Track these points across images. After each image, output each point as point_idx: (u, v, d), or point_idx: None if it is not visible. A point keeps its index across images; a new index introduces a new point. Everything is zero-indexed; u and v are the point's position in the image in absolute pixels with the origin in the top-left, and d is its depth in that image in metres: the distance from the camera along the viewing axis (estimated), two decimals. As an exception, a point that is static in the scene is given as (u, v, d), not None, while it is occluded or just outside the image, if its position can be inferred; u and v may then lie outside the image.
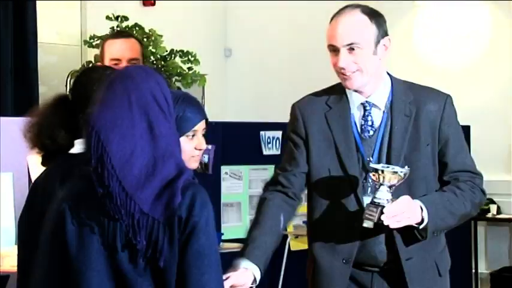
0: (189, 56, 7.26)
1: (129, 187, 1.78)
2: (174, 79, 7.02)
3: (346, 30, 2.50)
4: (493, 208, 7.20)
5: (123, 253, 1.79)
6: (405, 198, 2.40)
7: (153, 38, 7.04)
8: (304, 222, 5.69)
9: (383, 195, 2.37)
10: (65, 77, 6.94)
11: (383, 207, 2.32)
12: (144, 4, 7.78)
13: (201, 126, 2.40)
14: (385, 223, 2.31)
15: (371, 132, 2.59)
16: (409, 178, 2.49)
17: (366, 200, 2.49)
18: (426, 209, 2.42)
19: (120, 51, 3.47)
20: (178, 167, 1.83)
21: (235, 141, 4.82)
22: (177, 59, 7.31)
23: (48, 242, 1.86)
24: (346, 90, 2.56)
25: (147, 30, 6.92)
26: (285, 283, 5.59)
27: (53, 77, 7.09)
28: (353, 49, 2.47)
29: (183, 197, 1.78)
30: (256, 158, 5.36)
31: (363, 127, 2.57)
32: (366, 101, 2.56)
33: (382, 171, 2.38)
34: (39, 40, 6.83)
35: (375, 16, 2.55)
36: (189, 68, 7.33)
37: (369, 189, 2.54)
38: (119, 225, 1.81)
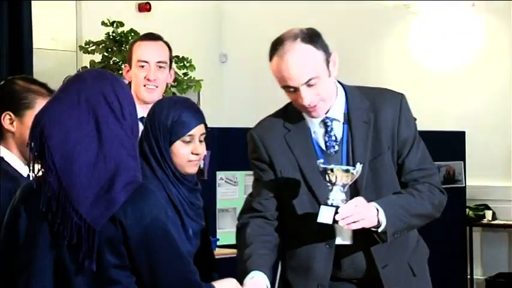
0: (185, 62, 7.27)
1: (68, 185, 1.77)
2: (169, 85, 6.74)
3: (299, 69, 2.43)
4: (489, 214, 7.20)
5: (67, 250, 1.79)
6: (359, 199, 2.37)
7: None
8: None
9: (337, 195, 2.35)
10: (61, 83, 6.88)
11: (337, 207, 2.29)
12: (140, 9, 7.75)
13: (198, 131, 2.40)
14: (340, 224, 2.28)
15: (336, 147, 2.57)
16: (376, 184, 2.50)
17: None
18: (383, 210, 2.39)
19: (147, 54, 3.40)
20: (120, 167, 1.81)
21: (231, 147, 4.82)
22: (173, 65, 7.26)
23: (2, 236, 1.90)
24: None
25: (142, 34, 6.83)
26: None
27: (49, 82, 6.72)
28: (311, 84, 2.41)
29: (122, 199, 1.77)
30: (251, 163, 5.27)
31: (327, 144, 2.55)
32: (326, 117, 2.53)
33: (332, 170, 2.35)
34: (34, 46, 6.75)
35: (314, 39, 2.48)
36: (185, 74, 7.35)
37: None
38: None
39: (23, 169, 2.43)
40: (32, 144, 1.85)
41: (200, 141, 2.44)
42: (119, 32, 6.94)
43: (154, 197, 1.90)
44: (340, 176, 2.37)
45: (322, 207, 2.33)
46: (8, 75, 6.89)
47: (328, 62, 2.47)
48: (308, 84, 2.40)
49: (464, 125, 6.87)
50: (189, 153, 2.41)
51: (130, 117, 1.90)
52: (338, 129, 2.56)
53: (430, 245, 4.30)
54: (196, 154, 2.42)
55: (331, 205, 2.33)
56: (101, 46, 6.93)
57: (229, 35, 8.98)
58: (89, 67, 6.74)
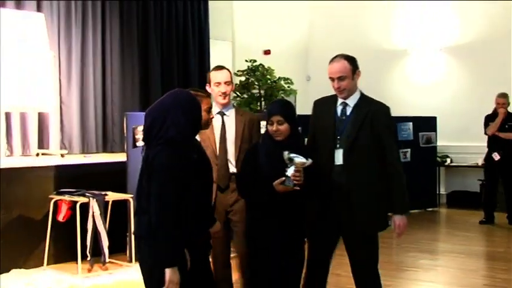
0: (288, 80, 10.10)
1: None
2: (280, 93, 9.91)
3: (338, 69, 3.71)
4: (448, 160, 10.67)
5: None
6: (400, 224, 3.77)
7: (269, 71, 10.10)
8: None
9: (290, 171, 3.45)
10: None
11: (288, 177, 3.43)
12: (265, 53, 11.01)
13: (275, 118, 3.51)
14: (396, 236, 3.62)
15: (343, 117, 3.76)
16: (354, 147, 3.66)
17: (337, 154, 3.69)
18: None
19: (219, 77, 4.27)
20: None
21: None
22: (282, 82, 10.13)
23: None
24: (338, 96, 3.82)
25: (266, 67, 10.14)
26: None
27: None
28: (342, 79, 3.71)
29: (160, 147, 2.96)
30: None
31: (342, 112, 3.78)
32: (344, 102, 3.79)
33: (292, 159, 3.41)
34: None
35: (351, 60, 3.75)
36: (288, 87, 10.00)
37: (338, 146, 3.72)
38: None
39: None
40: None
41: (278, 123, 3.56)
42: (253, 65, 10.15)
43: (167, 154, 2.89)
44: (297, 162, 3.42)
45: (286, 178, 3.44)
46: (198, 87, 9.07)
47: (354, 73, 3.72)
48: (339, 78, 3.70)
49: (436, 113, 10.43)
50: (271, 129, 3.56)
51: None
52: (348, 109, 3.78)
53: (418, 177, 8.07)
54: (274, 131, 3.55)
55: (287, 177, 3.44)
56: (244, 72, 10.16)
57: (311, 63, 11.97)
58: (239, 84, 10.04)
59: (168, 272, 2.92)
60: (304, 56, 11.94)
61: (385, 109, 3.83)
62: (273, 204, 3.58)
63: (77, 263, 6.13)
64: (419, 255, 7.03)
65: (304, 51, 11.92)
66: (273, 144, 3.60)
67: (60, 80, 8.32)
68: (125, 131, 6.74)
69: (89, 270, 6.23)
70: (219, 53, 10.73)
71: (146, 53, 9.41)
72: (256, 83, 10.07)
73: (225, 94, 4.25)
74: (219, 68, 4.34)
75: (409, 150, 10.00)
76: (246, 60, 10.18)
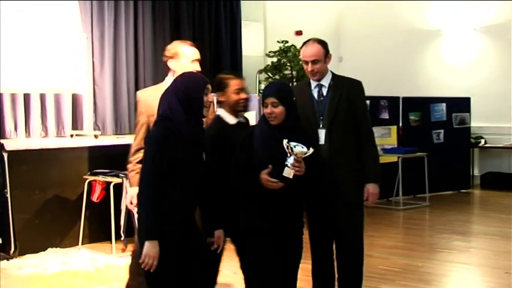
0: None
1: None
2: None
3: (312, 52, 3.84)
4: (482, 141, 10.54)
5: None
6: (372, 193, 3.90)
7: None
8: (380, 148, 9.26)
9: (291, 161, 3.31)
10: (255, 74, 10.03)
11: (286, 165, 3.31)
12: (296, 34, 10.98)
13: (269, 100, 3.41)
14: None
15: (321, 98, 3.91)
16: (331, 127, 3.78)
17: (320, 134, 3.77)
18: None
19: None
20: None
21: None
22: None
23: None
24: (310, 79, 3.91)
25: (298, 48, 9.73)
26: None
27: (248, 73, 9.34)
28: (316, 62, 3.83)
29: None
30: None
31: (318, 94, 3.91)
32: (319, 84, 3.91)
33: (293, 147, 3.31)
34: (243, 53, 10.31)
35: (324, 44, 3.88)
36: None
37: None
38: None
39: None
40: None
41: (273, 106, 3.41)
42: (286, 46, 10.03)
43: (157, 134, 3.01)
44: (297, 151, 3.30)
45: (286, 168, 3.32)
46: (230, 70, 8.83)
47: (326, 56, 3.87)
48: (313, 61, 3.82)
49: (470, 93, 10.39)
50: (265, 111, 3.44)
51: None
52: (324, 90, 3.92)
53: (452, 159, 8.01)
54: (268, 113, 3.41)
55: (287, 165, 3.30)
56: (276, 53, 10.06)
57: (343, 43, 11.96)
58: (270, 65, 10.07)
59: (145, 244, 2.95)
60: (336, 36, 11.89)
61: (358, 83, 3.97)
62: (269, 193, 3.41)
63: (111, 243, 6.24)
64: (453, 237, 7.00)
65: (336, 32, 11.90)
66: (268, 129, 3.44)
67: (93, 61, 8.34)
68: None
69: (123, 250, 6.30)
70: (250, 34, 10.77)
71: (178, 34, 9.39)
72: (288, 64, 10.07)
73: None
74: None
75: (442, 131, 9.94)
76: (278, 41, 10.17)
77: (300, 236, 3.63)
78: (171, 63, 3.97)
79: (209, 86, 3.17)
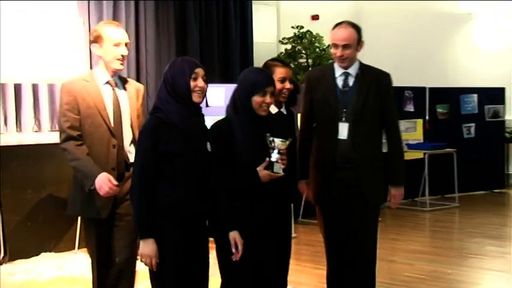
0: None
1: None
2: (330, 61, 8.28)
3: (344, 36, 3.83)
4: None
5: None
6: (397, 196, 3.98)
7: (317, 38, 10.26)
8: (405, 144, 9.42)
9: (275, 156, 3.41)
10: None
11: (272, 162, 3.37)
12: (312, 19, 11.04)
13: (270, 89, 3.44)
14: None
15: (346, 88, 3.90)
16: (357, 121, 3.80)
17: (341, 127, 3.84)
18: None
19: (118, 36, 3.86)
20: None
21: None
22: (331, 50, 9.88)
23: None
24: (335, 65, 3.91)
25: (314, 34, 10.26)
26: None
27: (259, 62, 7.58)
28: (347, 47, 3.83)
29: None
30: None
31: (344, 83, 3.91)
32: (345, 72, 3.91)
33: (274, 141, 3.38)
34: (254, 40, 10.14)
35: (358, 29, 3.89)
36: None
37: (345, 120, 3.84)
38: None
39: None
40: None
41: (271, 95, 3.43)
42: (301, 31, 10.35)
43: (148, 126, 3.12)
44: (278, 143, 3.38)
45: (275, 164, 3.38)
46: (240, 58, 9.78)
47: (358, 43, 3.87)
48: (344, 46, 3.83)
49: (505, 83, 10.34)
50: (261, 100, 3.40)
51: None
52: (351, 80, 3.93)
53: (484, 155, 8.03)
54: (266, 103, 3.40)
55: (273, 163, 3.38)
56: (290, 40, 10.31)
57: (364, 28, 11.38)
58: (284, 52, 10.27)
59: (140, 244, 3.04)
60: (356, 21, 10.82)
61: (388, 76, 3.98)
62: (256, 189, 3.44)
63: (110, 247, 6.22)
64: (485, 241, 7.00)
65: (356, 16, 11.40)
66: (254, 119, 3.44)
67: (90, 48, 8.35)
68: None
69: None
70: (262, 18, 10.83)
71: (183, 19, 9.40)
72: (303, 52, 10.19)
73: (123, 58, 3.87)
74: (116, 24, 4.00)
75: (473, 125, 9.95)
76: (292, 27, 10.36)
77: (288, 238, 3.75)
78: (94, 49, 3.89)
79: (199, 70, 3.20)
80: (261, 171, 3.39)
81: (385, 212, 8.34)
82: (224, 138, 3.38)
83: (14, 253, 6.09)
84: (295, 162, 3.78)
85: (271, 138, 3.38)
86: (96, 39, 3.84)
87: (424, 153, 8.99)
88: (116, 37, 3.83)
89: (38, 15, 7.60)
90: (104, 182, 3.58)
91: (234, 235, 3.27)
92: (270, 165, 3.42)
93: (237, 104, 3.42)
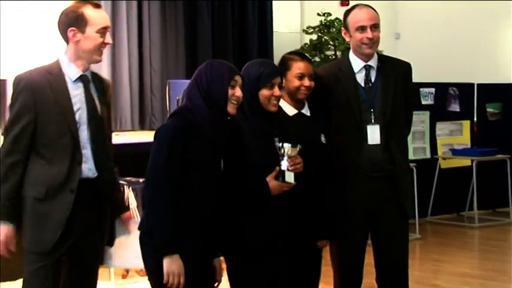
0: None
1: None
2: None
3: (372, 14, 3.83)
4: None
5: None
6: None
7: None
8: (449, 149, 9.46)
9: (284, 163, 3.38)
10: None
11: (283, 171, 3.35)
12: (341, 4, 10.73)
13: (277, 80, 3.47)
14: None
15: (369, 85, 3.88)
16: (389, 122, 3.79)
17: (371, 130, 3.81)
18: None
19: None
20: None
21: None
22: None
23: None
24: (351, 58, 3.91)
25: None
26: (436, 194, 8.84)
27: (281, 55, 8.66)
28: (376, 27, 3.84)
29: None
30: (416, 106, 8.02)
31: (366, 79, 3.88)
32: (366, 65, 3.88)
33: (283, 146, 3.37)
34: (274, 30, 10.20)
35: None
36: None
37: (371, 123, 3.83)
38: None
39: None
40: None
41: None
42: (328, 19, 10.12)
43: (176, 124, 3.12)
44: (288, 149, 3.38)
45: (286, 172, 3.36)
46: (258, 51, 9.80)
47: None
48: (372, 26, 3.81)
49: None
50: (269, 94, 3.43)
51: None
52: (373, 75, 3.89)
53: None
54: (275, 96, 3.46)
55: (288, 170, 3.36)
56: (316, 29, 10.17)
57: (401, 17, 11.95)
58: (308, 44, 10.13)
59: (164, 261, 3.02)
60: (392, 7, 11.73)
61: (409, 66, 3.99)
62: (269, 198, 3.43)
63: (108, 268, 6.12)
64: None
65: (392, 4, 11.79)
66: (263, 116, 3.46)
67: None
68: (168, 104, 6.82)
69: (124, 276, 6.34)
70: (284, 4, 10.75)
71: (193, 6, 9.43)
72: (330, 43, 10.09)
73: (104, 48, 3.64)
74: (97, 3, 3.65)
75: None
76: (319, 14, 10.22)
77: (317, 257, 3.79)
78: (70, 34, 3.48)
79: (238, 78, 3.24)
80: (271, 181, 3.39)
81: (426, 228, 8.34)
82: (232, 140, 3.39)
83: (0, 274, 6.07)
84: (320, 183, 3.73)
85: (279, 144, 3.37)
86: (75, 22, 3.45)
87: (472, 160, 8.95)
88: (103, 21, 3.51)
89: (38, 15, 7.86)
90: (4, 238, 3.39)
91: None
92: (281, 174, 3.40)
93: (243, 101, 3.38)
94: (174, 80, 7.33)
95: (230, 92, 3.20)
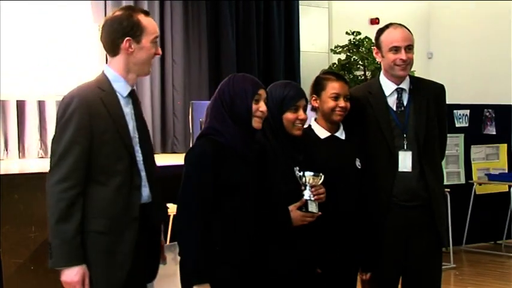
0: None
1: None
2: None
3: (407, 35, 3.77)
4: None
5: None
6: None
7: None
8: (485, 174, 9.39)
9: (307, 193, 3.36)
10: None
11: (306, 200, 3.35)
12: (371, 23, 11.05)
13: (302, 102, 3.46)
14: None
15: (401, 108, 3.82)
16: (423, 148, 3.76)
17: (403, 157, 3.75)
18: None
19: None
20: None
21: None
22: None
23: None
24: (381, 81, 3.85)
25: (373, 41, 10.46)
26: (471, 221, 8.61)
27: (309, 75, 8.88)
28: (411, 48, 3.78)
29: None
30: (450, 129, 7.36)
31: (398, 102, 3.82)
32: (398, 88, 3.83)
33: (304, 175, 3.37)
34: (301, 49, 10.34)
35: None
36: None
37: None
38: None
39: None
40: None
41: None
42: (357, 38, 10.26)
43: (205, 149, 3.10)
44: (309, 178, 3.37)
45: (309, 202, 3.35)
46: (284, 71, 10.00)
47: None
48: (407, 47, 3.75)
49: None
50: (294, 117, 3.42)
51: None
52: (405, 98, 3.85)
53: None
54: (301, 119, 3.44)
55: (310, 199, 3.36)
56: (345, 48, 10.26)
57: (434, 36, 11.94)
58: (336, 64, 10.27)
59: None
60: (425, 26, 11.95)
61: (442, 88, 3.95)
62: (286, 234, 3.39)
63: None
64: None
65: (425, 20, 11.94)
66: (288, 141, 3.43)
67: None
68: (190, 126, 6.82)
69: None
70: (311, 22, 10.92)
71: (217, 25, 9.51)
72: (360, 63, 10.20)
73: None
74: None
75: None
76: (347, 33, 10.32)
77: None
78: (126, 44, 3.18)
79: (262, 92, 3.22)
80: (293, 211, 3.35)
81: (461, 258, 8.24)
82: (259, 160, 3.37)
83: (14, 302, 6.08)
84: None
85: (300, 173, 3.36)
86: (130, 30, 3.15)
87: (509, 186, 8.81)
88: (156, 30, 3.26)
89: (46, 23, 7.82)
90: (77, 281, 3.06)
91: None
92: (304, 204, 3.37)
93: (265, 125, 3.34)
94: (197, 101, 7.31)
95: (254, 106, 3.18)
